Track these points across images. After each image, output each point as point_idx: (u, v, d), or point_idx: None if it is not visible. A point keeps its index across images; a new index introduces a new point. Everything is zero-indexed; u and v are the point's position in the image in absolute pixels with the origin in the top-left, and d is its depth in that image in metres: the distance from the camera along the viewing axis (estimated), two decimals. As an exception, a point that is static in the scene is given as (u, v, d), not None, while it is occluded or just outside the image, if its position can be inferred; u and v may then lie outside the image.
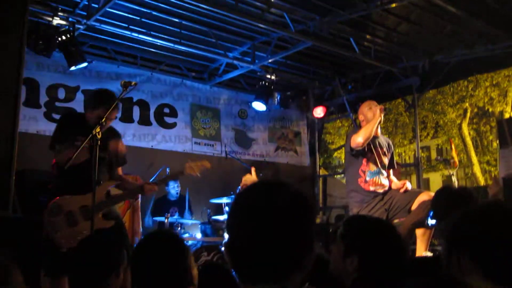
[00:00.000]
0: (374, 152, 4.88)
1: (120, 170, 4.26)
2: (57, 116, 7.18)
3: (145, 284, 2.23)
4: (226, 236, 1.40)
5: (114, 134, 4.19)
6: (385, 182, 4.88)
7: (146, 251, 2.31)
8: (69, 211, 3.70)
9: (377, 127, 4.90)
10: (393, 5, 6.44)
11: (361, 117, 5.04)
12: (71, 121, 4.11)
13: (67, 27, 6.53)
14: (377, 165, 4.84)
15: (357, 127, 8.94)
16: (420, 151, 9.48)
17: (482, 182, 17.67)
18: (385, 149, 5.00)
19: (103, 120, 3.59)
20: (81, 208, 3.74)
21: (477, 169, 18.25)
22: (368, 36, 7.63)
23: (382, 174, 4.87)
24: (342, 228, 2.12)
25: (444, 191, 2.85)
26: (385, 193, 4.82)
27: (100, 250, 2.48)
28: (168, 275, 2.20)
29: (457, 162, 6.77)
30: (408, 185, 4.87)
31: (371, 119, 4.81)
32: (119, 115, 7.82)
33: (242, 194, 1.35)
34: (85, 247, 2.53)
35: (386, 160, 4.98)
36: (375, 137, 4.91)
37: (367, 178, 4.81)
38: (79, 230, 3.61)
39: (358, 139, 4.69)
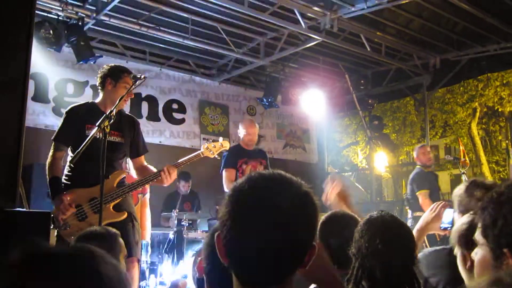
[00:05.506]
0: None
1: (142, 159, 4.09)
2: (66, 111, 7.17)
3: None
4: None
5: (131, 120, 4.05)
6: None
7: None
8: (77, 205, 3.64)
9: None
10: (405, 1, 6.37)
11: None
12: (79, 111, 3.91)
13: (76, 21, 6.51)
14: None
15: (366, 124, 8.90)
16: (429, 149, 9.38)
17: (491, 181, 17.56)
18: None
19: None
20: (90, 201, 3.65)
21: (485, 168, 18.13)
22: (378, 33, 7.55)
23: None
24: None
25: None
26: None
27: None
28: None
29: (468, 161, 6.72)
30: None
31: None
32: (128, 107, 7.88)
33: (252, 189, 1.22)
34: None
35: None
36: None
37: None
38: (88, 224, 3.50)
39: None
